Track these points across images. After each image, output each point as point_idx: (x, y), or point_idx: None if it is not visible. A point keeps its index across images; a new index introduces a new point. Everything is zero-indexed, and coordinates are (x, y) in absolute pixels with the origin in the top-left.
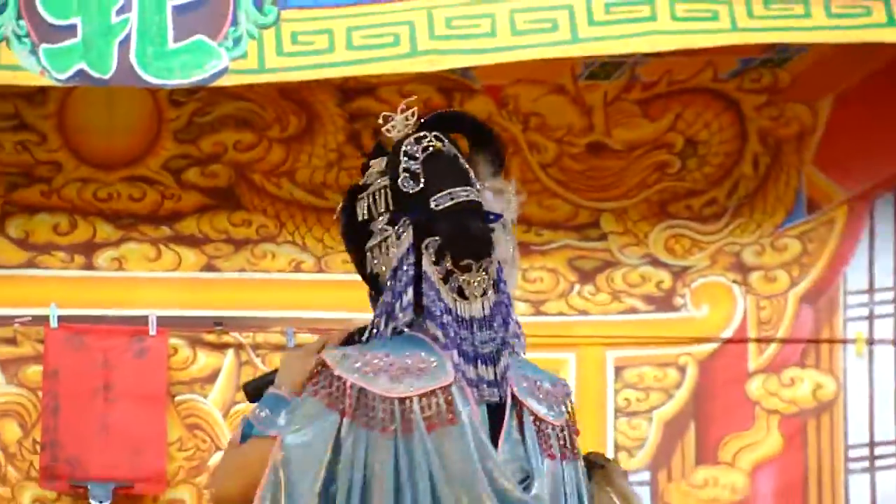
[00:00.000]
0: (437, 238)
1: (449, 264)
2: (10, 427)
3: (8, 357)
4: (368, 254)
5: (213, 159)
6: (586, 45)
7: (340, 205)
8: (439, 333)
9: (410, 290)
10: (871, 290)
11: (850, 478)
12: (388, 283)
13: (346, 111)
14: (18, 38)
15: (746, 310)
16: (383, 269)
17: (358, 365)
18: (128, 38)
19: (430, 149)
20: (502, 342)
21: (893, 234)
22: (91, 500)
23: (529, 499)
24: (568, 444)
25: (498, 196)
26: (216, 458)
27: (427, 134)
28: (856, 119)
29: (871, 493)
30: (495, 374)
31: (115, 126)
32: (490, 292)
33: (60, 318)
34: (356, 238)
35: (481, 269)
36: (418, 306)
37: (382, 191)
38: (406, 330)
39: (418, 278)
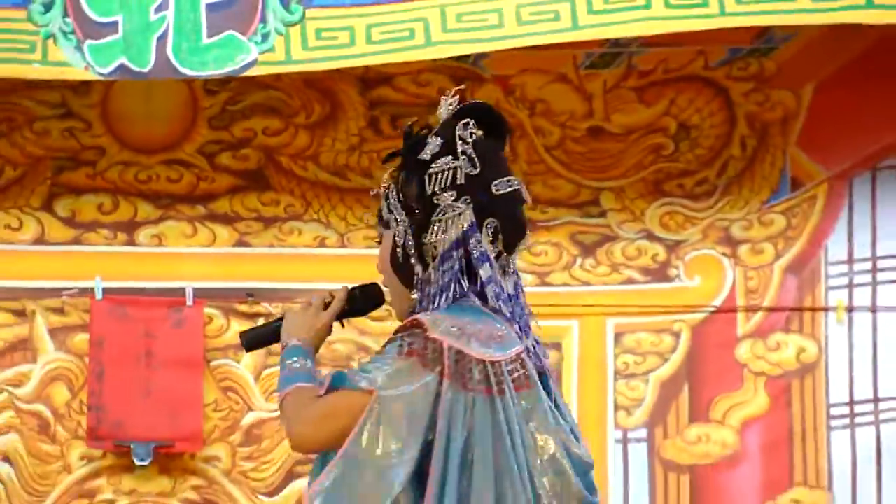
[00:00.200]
0: (494, 220)
1: (500, 245)
2: (59, 390)
3: (57, 326)
4: (433, 225)
5: (244, 144)
6: (585, 31)
7: (402, 174)
8: (503, 307)
9: (465, 264)
10: (850, 261)
11: (831, 434)
12: (451, 255)
13: (366, 99)
14: (65, 34)
15: (735, 280)
16: (445, 240)
17: (454, 329)
18: (165, 34)
19: (475, 136)
20: (530, 315)
21: (871, 209)
22: (134, 458)
23: (584, 455)
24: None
25: None
26: (249, 417)
27: (470, 121)
28: (836, 104)
29: (851, 447)
30: (533, 344)
31: (153, 114)
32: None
33: (105, 291)
34: (417, 208)
35: (515, 251)
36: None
37: (450, 169)
38: (460, 301)
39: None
